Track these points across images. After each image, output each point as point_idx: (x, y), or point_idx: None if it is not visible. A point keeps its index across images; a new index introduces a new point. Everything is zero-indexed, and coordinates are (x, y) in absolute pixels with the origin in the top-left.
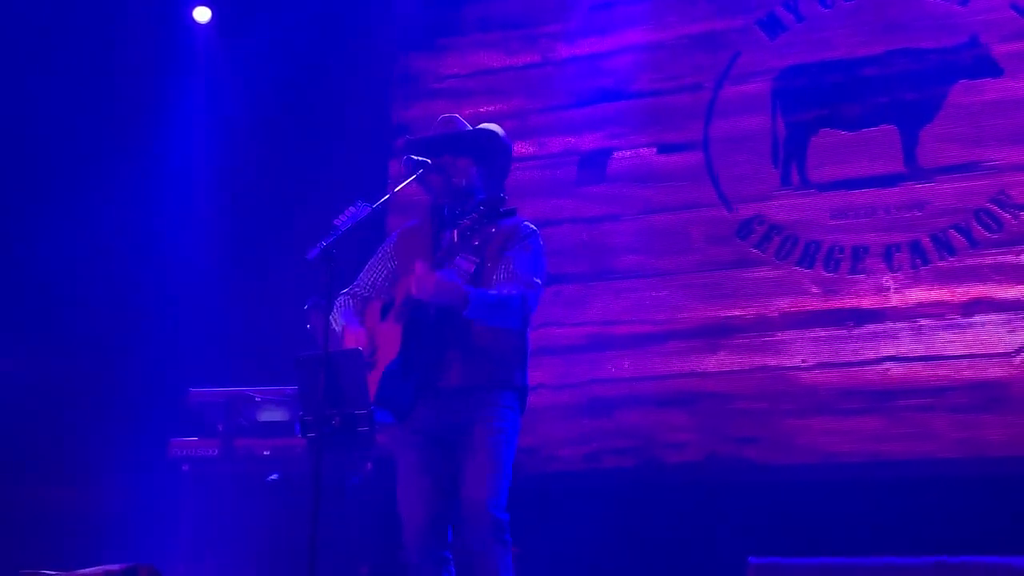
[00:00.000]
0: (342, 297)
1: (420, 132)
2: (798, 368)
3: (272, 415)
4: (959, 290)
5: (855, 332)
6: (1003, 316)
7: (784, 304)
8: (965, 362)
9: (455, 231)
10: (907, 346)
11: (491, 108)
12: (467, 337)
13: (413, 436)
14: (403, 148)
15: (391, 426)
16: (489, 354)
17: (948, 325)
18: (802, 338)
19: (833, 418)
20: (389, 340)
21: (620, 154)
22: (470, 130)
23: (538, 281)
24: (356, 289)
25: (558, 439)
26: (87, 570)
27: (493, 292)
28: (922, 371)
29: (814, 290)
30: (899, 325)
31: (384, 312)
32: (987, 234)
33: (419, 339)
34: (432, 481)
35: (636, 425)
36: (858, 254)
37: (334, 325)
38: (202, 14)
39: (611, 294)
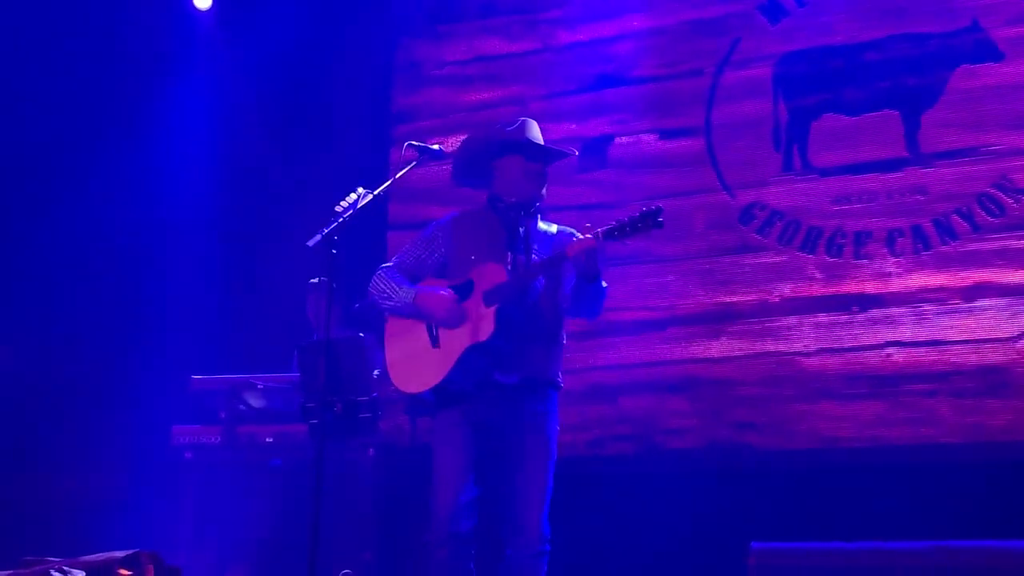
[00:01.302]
0: (390, 270)
1: (425, 119)
2: (800, 354)
3: (274, 402)
4: (961, 275)
5: (857, 317)
6: (1005, 301)
7: (786, 290)
8: (967, 347)
9: (601, 231)
10: (909, 331)
11: (492, 95)
12: (540, 333)
13: (462, 418)
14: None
15: (433, 406)
16: (550, 352)
17: (950, 310)
18: (804, 324)
19: (835, 403)
20: (482, 321)
21: (621, 140)
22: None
23: None
24: (403, 264)
25: (560, 425)
26: (91, 556)
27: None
28: (924, 356)
29: (816, 275)
30: (901, 310)
31: (458, 293)
32: (989, 219)
33: (510, 326)
34: (472, 464)
35: (638, 411)
36: (860, 239)
37: (393, 287)
38: (202, 0)
39: (612, 280)
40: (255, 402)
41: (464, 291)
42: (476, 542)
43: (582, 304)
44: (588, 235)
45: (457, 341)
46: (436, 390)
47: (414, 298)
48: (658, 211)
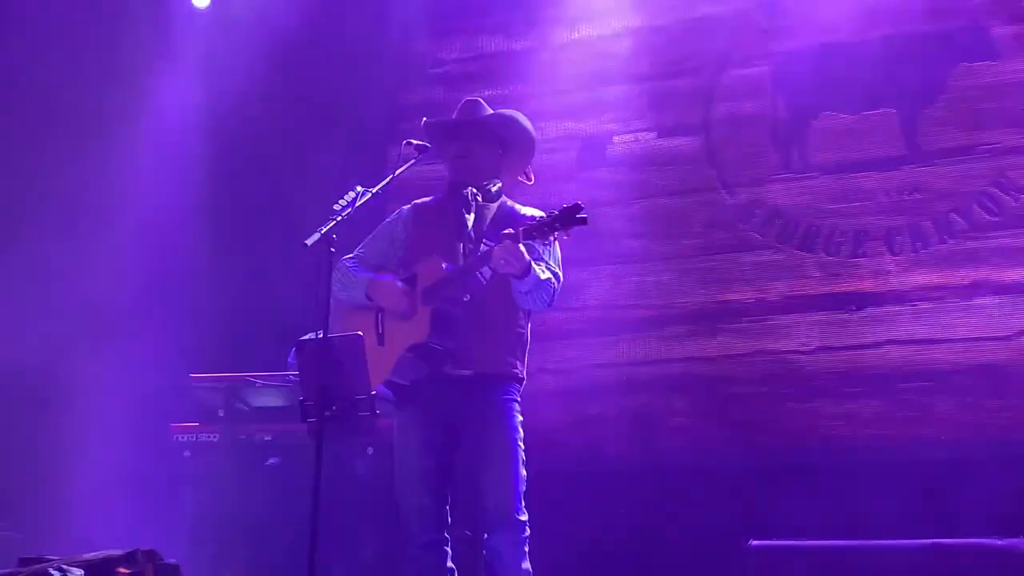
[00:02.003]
0: (350, 262)
1: (425, 117)
2: (799, 352)
3: (273, 400)
4: (960, 273)
5: (856, 315)
6: (1004, 299)
7: (785, 288)
8: (966, 345)
9: (521, 229)
10: (908, 329)
11: (491, 93)
12: (490, 328)
13: (416, 418)
14: (423, 130)
15: (394, 405)
16: (502, 345)
17: (949, 308)
18: (803, 322)
19: (833, 401)
20: (420, 321)
21: (620, 138)
22: (489, 115)
23: (562, 278)
24: (366, 257)
25: (558, 423)
26: (90, 554)
27: (539, 271)
28: (923, 354)
29: (815, 274)
30: (900, 308)
31: None
32: (988, 217)
33: (447, 324)
34: (434, 464)
35: (636, 409)
36: (859, 237)
37: (350, 278)
38: None
39: (611, 278)
40: (254, 401)
41: (409, 287)
42: (452, 535)
43: (520, 299)
44: (508, 232)
45: (399, 341)
46: (393, 388)
47: (365, 288)
48: (576, 207)
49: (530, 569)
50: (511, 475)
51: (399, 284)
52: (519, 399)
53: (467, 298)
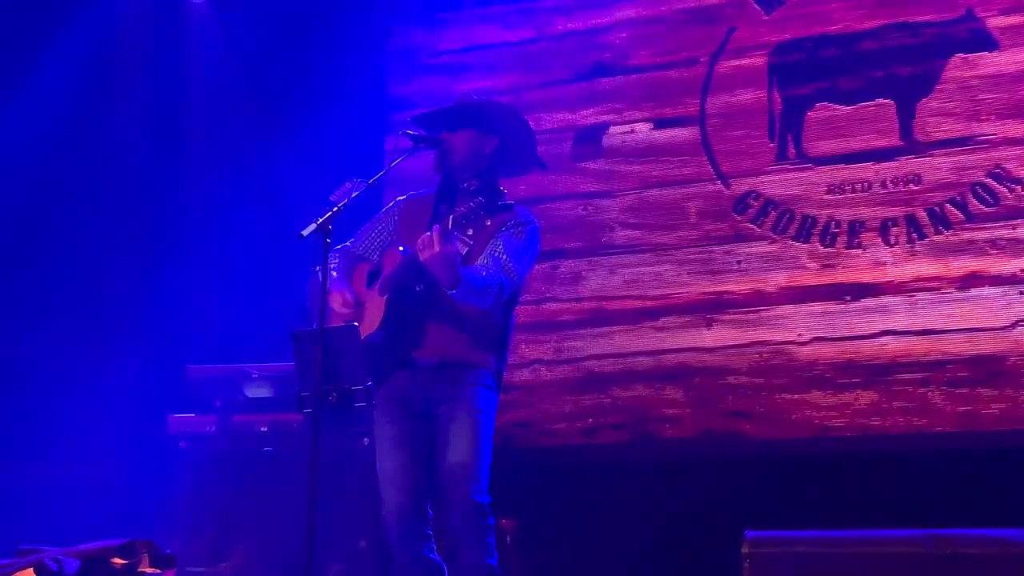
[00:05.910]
0: (335, 254)
1: (421, 108)
2: (794, 343)
3: (269, 391)
4: (955, 264)
5: (851, 306)
6: (999, 290)
7: (780, 279)
8: (961, 336)
9: (451, 217)
10: (903, 320)
11: (487, 83)
12: (449, 317)
13: (391, 409)
14: (408, 124)
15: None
16: (468, 336)
17: (944, 299)
18: (798, 312)
19: (829, 392)
20: (372, 310)
21: (616, 129)
22: (458, 103)
23: (519, 270)
24: (353, 248)
25: (554, 414)
26: (86, 545)
27: (480, 277)
28: (918, 345)
29: (810, 265)
30: (895, 299)
31: (371, 279)
32: (983, 208)
33: (402, 313)
34: (411, 455)
35: (632, 400)
36: (854, 228)
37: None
38: None
39: (607, 269)
40: (251, 391)
41: (376, 276)
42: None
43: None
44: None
45: (364, 330)
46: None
47: (328, 286)
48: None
49: (495, 567)
50: (468, 454)
51: (342, 292)
52: (492, 385)
53: (420, 287)
